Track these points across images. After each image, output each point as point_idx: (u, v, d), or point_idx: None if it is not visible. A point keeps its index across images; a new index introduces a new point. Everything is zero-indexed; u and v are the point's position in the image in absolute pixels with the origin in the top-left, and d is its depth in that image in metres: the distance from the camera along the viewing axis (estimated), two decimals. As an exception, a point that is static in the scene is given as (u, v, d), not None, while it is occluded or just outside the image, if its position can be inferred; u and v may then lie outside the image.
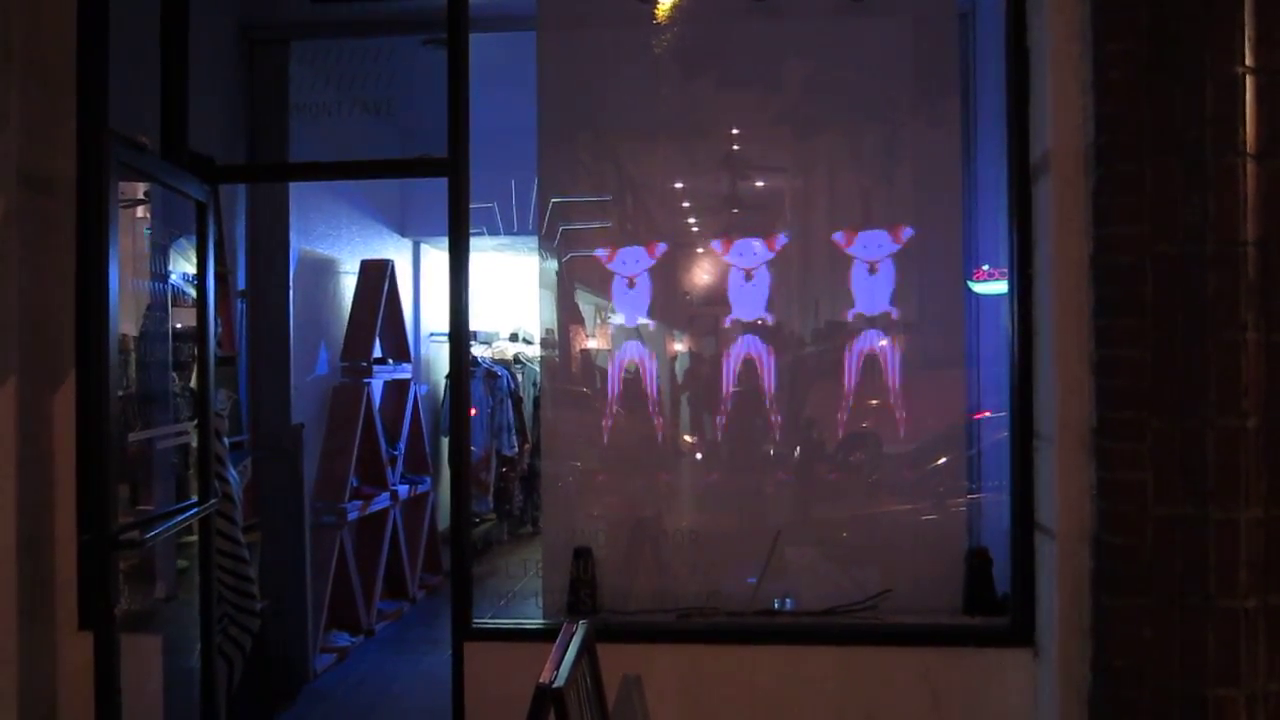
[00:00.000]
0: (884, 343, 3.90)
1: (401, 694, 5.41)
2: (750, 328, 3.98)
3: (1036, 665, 3.33)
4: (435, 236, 8.01)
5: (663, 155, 4.12)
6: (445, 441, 8.06)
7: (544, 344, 4.28)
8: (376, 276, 6.69)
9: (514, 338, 8.86)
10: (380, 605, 6.62)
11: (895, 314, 3.90)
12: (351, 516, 6.00)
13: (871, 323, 3.91)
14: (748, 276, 3.97)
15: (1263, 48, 2.76)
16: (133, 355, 3.89)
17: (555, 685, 2.28)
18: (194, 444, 4.02)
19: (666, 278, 4.04)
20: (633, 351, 4.04)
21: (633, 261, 4.01)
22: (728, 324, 4.00)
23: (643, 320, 4.04)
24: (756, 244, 3.96)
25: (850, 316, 3.93)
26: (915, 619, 3.62)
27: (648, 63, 4.03)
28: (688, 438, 4.11)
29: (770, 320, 3.98)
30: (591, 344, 4.17)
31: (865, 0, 3.91)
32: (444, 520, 7.70)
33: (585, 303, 4.14)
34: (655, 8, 3.98)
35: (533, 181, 4.10)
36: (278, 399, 5.52)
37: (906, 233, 3.87)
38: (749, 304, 3.97)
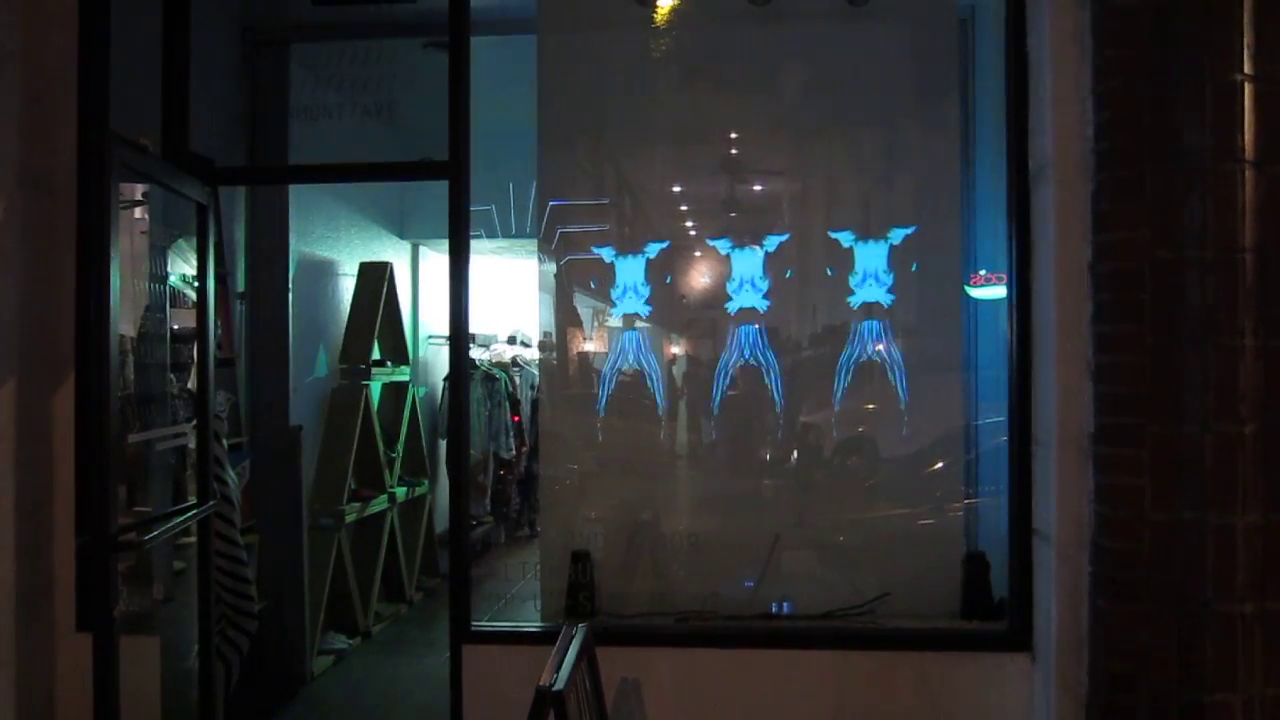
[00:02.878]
0: (881, 347, 3.91)
1: (399, 696, 5.41)
2: (748, 331, 3.98)
3: (1034, 670, 3.34)
4: (434, 239, 8.01)
5: (662, 158, 4.13)
6: (443, 444, 8.06)
7: (542, 347, 4.29)
8: (375, 279, 6.69)
9: (512, 340, 8.86)
10: (378, 607, 6.62)
11: (894, 318, 3.90)
12: (349, 518, 6.01)
13: (869, 327, 3.91)
14: (745, 280, 3.97)
15: (1262, 55, 2.77)
16: (131, 357, 3.88)
17: (555, 688, 2.28)
18: (192, 445, 4.02)
19: (665, 281, 4.05)
20: (630, 355, 4.05)
21: (632, 267, 4.02)
22: (726, 327, 4.00)
23: (641, 324, 4.04)
24: (755, 248, 3.97)
25: (848, 320, 3.94)
26: (913, 623, 3.63)
27: (647, 66, 4.05)
28: (685, 441, 4.12)
29: (768, 324, 3.99)
30: (590, 347, 4.18)
31: (865, 4, 3.92)
32: (441, 523, 7.70)
33: (584, 305, 4.14)
34: (655, 12, 3.99)
35: (531, 184, 4.10)
36: (276, 401, 5.52)
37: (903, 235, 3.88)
38: (747, 307, 3.97)
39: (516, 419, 8.03)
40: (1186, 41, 2.82)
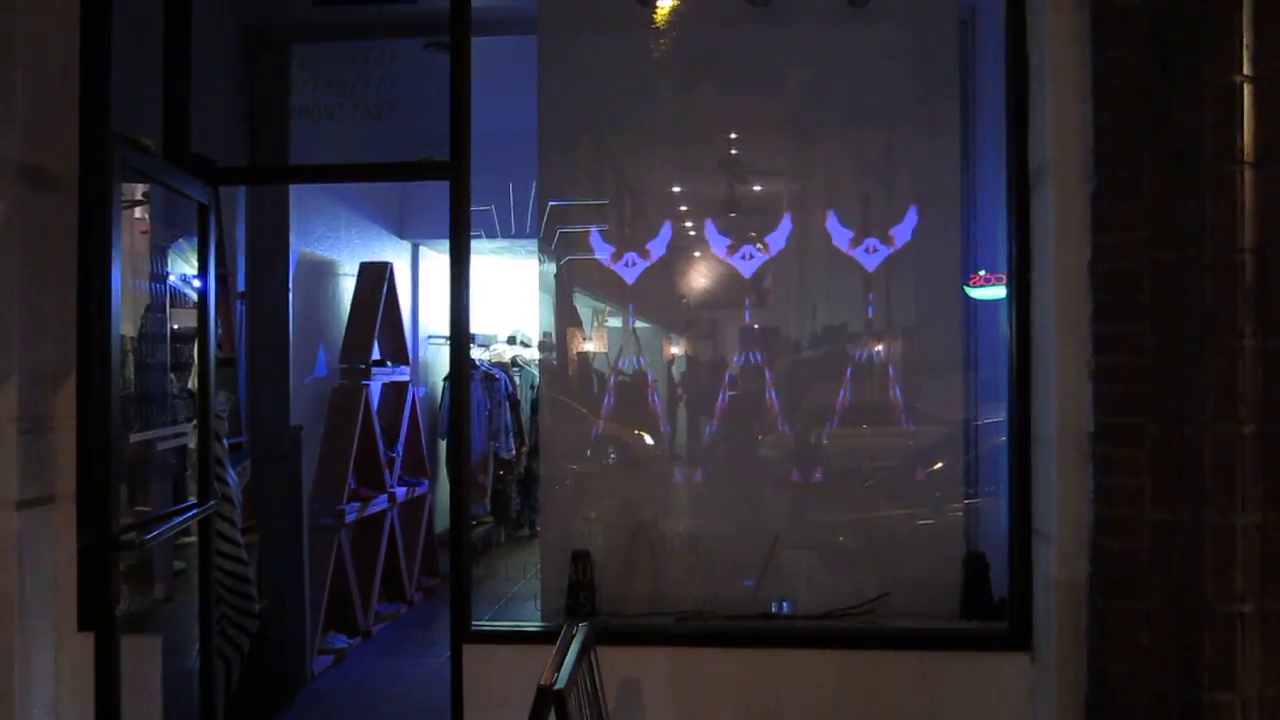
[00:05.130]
0: (881, 347, 3.92)
1: (399, 696, 5.42)
2: (748, 331, 3.99)
3: (1034, 669, 3.34)
4: (434, 239, 8.03)
5: (662, 158, 4.14)
6: (443, 444, 8.06)
7: (542, 347, 4.29)
8: (375, 278, 6.70)
9: (512, 340, 8.87)
10: (378, 607, 6.63)
11: (893, 319, 3.91)
12: (350, 518, 6.01)
13: (869, 327, 3.92)
14: (745, 280, 3.98)
15: (1261, 56, 2.78)
16: (132, 356, 3.89)
17: (556, 687, 2.29)
18: (193, 445, 4.03)
19: (664, 281, 4.05)
20: (630, 355, 4.05)
21: (631, 264, 4.02)
22: (725, 328, 4.01)
23: (641, 324, 4.05)
24: (754, 248, 3.98)
25: (848, 321, 3.95)
26: (912, 623, 3.64)
27: (648, 67, 4.06)
28: (685, 441, 4.12)
29: (768, 324, 4.00)
30: (590, 347, 4.19)
31: (865, 6, 3.93)
32: (441, 523, 7.70)
33: (584, 306, 4.15)
34: (655, 12, 4.00)
35: (530, 184, 4.11)
36: (277, 401, 5.52)
37: (902, 235, 3.88)
38: (747, 308, 3.98)
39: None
40: (1186, 43, 2.83)
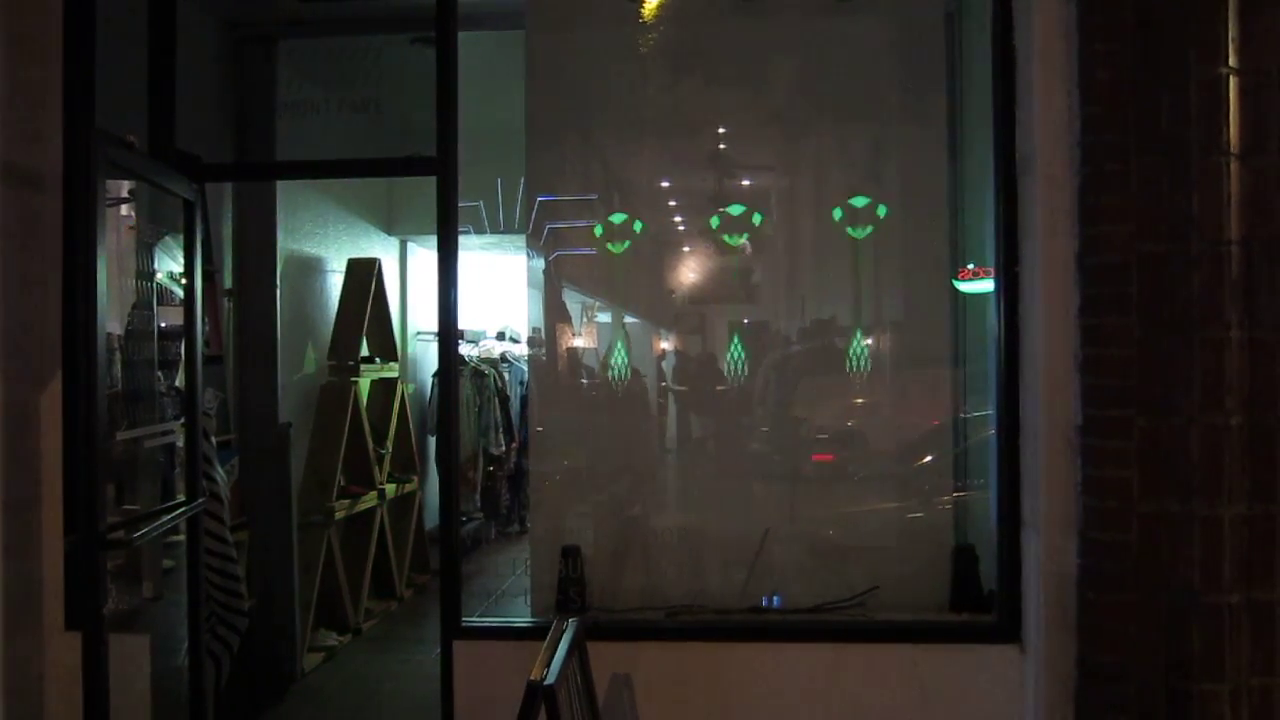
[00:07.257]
0: (870, 341, 3.92)
1: (390, 692, 5.41)
2: (736, 326, 3.99)
3: (1023, 661, 3.35)
4: (422, 235, 8.01)
5: (650, 153, 4.13)
6: (432, 440, 8.06)
7: (531, 342, 4.28)
8: (364, 275, 6.68)
9: (501, 336, 8.86)
10: (368, 604, 6.61)
11: (882, 313, 3.91)
12: (339, 515, 6.00)
13: (858, 321, 3.93)
14: (733, 275, 3.98)
15: (1246, 48, 2.79)
16: (118, 354, 3.87)
17: (547, 682, 2.29)
18: (180, 443, 4.01)
19: (652, 275, 4.05)
20: (619, 349, 4.05)
21: (619, 259, 4.02)
22: (714, 322, 4.01)
23: (629, 318, 4.05)
24: (742, 242, 3.98)
25: (836, 315, 3.95)
26: (902, 616, 3.64)
27: (635, 62, 4.05)
28: (675, 436, 4.12)
29: (756, 319, 3.99)
30: (579, 342, 4.18)
31: (851, -1, 3.93)
32: (431, 519, 7.69)
33: (573, 301, 4.14)
34: (643, 7, 3.99)
35: (518, 180, 4.10)
36: (265, 398, 5.50)
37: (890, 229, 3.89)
38: (735, 302, 3.98)
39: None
40: (1172, 35, 2.84)
